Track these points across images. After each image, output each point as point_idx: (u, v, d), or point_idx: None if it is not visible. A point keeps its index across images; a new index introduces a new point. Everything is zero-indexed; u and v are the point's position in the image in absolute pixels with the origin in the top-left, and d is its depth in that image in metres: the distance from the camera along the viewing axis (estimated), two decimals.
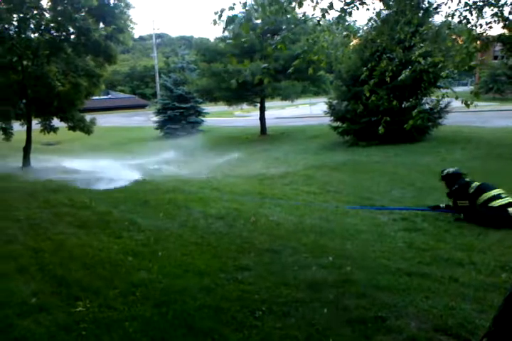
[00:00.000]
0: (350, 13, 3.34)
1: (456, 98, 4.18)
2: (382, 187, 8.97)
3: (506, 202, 5.98)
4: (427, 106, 14.54)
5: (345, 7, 3.27)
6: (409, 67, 4.93)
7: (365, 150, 14.13)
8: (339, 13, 3.35)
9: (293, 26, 18.72)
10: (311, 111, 31.12)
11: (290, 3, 4.17)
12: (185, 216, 6.18)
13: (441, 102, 13.09)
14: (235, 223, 5.91)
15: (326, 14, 3.38)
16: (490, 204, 6.05)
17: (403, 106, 14.74)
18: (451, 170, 6.86)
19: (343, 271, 4.27)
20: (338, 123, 16.33)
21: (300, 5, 3.79)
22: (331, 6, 3.27)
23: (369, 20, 4.20)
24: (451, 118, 15.77)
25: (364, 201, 7.93)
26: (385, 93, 12.24)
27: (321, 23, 4.14)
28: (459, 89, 22.02)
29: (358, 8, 3.29)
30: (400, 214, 6.93)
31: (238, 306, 3.33)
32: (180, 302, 3.38)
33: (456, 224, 6.32)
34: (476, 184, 6.37)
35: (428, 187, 8.66)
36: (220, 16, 4.31)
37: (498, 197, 6.08)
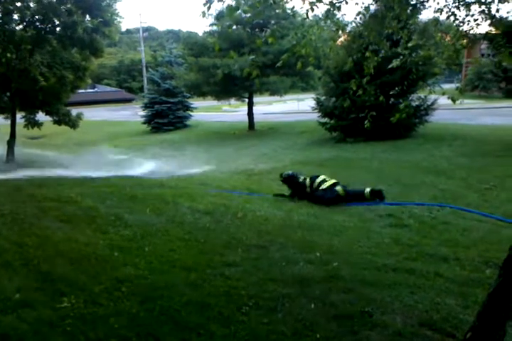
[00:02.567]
0: (339, 8, 3.33)
1: (443, 94, 4.20)
2: (369, 183, 9.02)
3: (331, 182, 7.62)
4: (414, 104, 14.64)
5: (334, 1, 3.25)
6: (400, 57, 4.92)
7: (353, 147, 14.21)
8: (328, 7, 3.33)
9: (282, 21, 18.75)
10: (298, 106, 31.14)
11: None
12: (173, 211, 6.14)
13: (427, 99, 13.22)
14: (222, 218, 5.89)
15: (314, 8, 3.35)
16: (321, 187, 7.57)
17: (390, 102, 14.83)
18: (288, 172, 8.30)
19: (330, 266, 4.28)
20: (326, 120, 16.38)
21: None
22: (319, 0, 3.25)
23: (357, 14, 4.19)
24: (437, 116, 15.92)
25: None
26: (373, 89, 12.30)
27: (309, 16, 4.12)
28: (445, 86, 22.22)
29: (346, 2, 3.27)
30: (386, 210, 6.99)
31: (225, 302, 3.32)
32: (166, 297, 3.35)
33: (441, 219, 6.41)
34: (307, 178, 7.91)
35: (415, 182, 8.76)
36: (209, 8, 4.26)
37: (324, 181, 7.69)
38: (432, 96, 13.95)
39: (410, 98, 14.39)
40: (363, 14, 4.44)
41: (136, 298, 3.36)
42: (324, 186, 7.57)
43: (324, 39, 5.18)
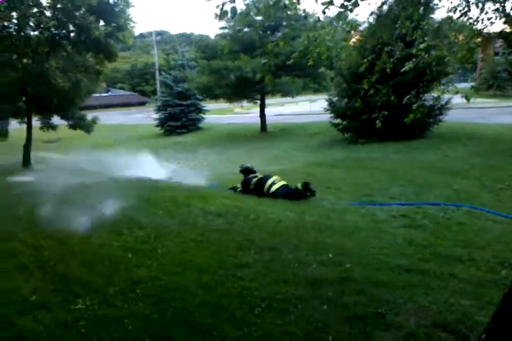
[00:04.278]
0: (351, 10, 3.32)
1: (456, 93, 4.16)
2: (382, 184, 8.97)
3: (280, 185, 8.08)
4: (428, 103, 14.49)
5: (346, 3, 3.24)
6: (413, 59, 4.89)
7: (365, 147, 14.12)
8: (340, 10, 3.33)
9: (293, 22, 18.73)
10: (310, 108, 31.08)
11: None
12: (185, 213, 6.18)
13: (442, 99, 13.07)
14: (234, 220, 5.90)
15: (326, 10, 3.36)
16: (273, 187, 8.05)
17: (404, 102, 14.69)
18: (245, 165, 9.07)
19: (343, 267, 4.27)
20: (339, 120, 16.31)
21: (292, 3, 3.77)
22: (331, 2, 3.24)
23: (370, 14, 4.17)
24: (452, 115, 15.74)
25: (363, 198, 7.93)
26: (387, 89, 12.21)
27: (321, 19, 4.13)
28: (460, 85, 21.91)
29: (358, 5, 3.26)
30: (399, 211, 6.93)
31: (238, 303, 3.34)
32: (179, 299, 3.38)
33: (456, 220, 6.34)
34: (258, 176, 8.49)
35: (428, 183, 8.66)
36: (222, 9, 4.28)
37: (273, 183, 8.14)
38: (446, 96, 13.80)
39: (424, 98, 14.23)
40: (376, 14, 4.43)
41: (150, 299, 3.39)
42: (276, 186, 8.08)
43: (337, 40, 5.17)
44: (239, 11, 4.08)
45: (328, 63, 17.39)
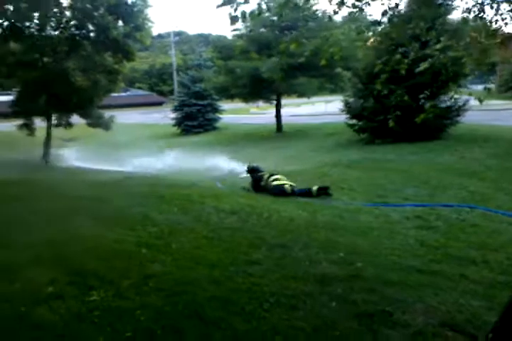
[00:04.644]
0: (362, 9, 3.35)
1: (469, 94, 4.15)
2: (397, 185, 8.94)
3: (282, 182, 8.57)
4: (445, 105, 14.37)
5: (357, 3, 3.28)
6: (429, 59, 4.88)
7: (381, 148, 14.06)
8: (351, 10, 3.37)
9: (308, 22, 18.72)
10: (326, 108, 30.99)
11: None
12: (199, 211, 6.27)
13: (459, 100, 12.94)
14: (247, 218, 5.97)
15: (338, 10, 3.40)
16: (273, 183, 8.54)
17: (420, 103, 14.60)
18: (252, 165, 9.58)
19: (354, 266, 4.29)
20: (354, 121, 16.26)
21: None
22: (342, 2, 3.28)
23: (383, 14, 4.18)
24: (470, 117, 15.56)
25: (377, 199, 7.92)
26: (402, 90, 12.16)
27: (333, 18, 4.16)
28: (479, 87, 21.62)
29: (369, 4, 3.29)
30: (413, 212, 6.91)
31: (247, 298, 3.39)
32: (191, 293, 3.45)
33: (470, 222, 6.30)
34: (267, 174, 8.94)
35: (443, 185, 8.61)
36: (236, 10, 4.35)
37: (277, 179, 8.66)
38: (464, 97, 13.66)
39: (441, 99, 14.12)
40: (390, 15, 4.44)
41: (162, 292, 3.47)
42: (276, 183, 8.58)
43: (351, 39, 5.18)
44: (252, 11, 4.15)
45: (345, 64, 17.32)
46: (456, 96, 13.91)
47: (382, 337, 2.97)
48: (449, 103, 14.54)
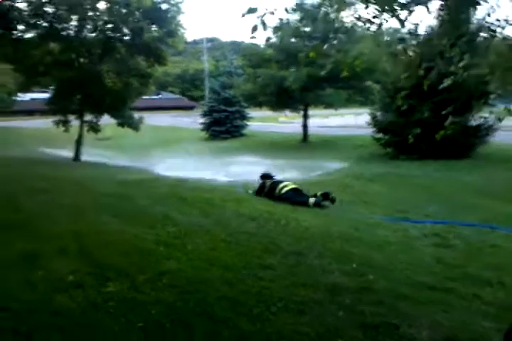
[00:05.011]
0: (380, 25, 3.44)
1: (491, 113, 4.16)
2: (418, 201, 8.89)
3: (291, 187, 8.73)
4: (475, 123, 14.17)
5: (373, 19, 3.36)
6: (452, 76, 4.90)
7: (406, 164, 13.95)
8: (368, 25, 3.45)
9: (338, 34, 18.77)
10: (356, 121, 30.82)
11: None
12: (219, 214, 6.41)
13: (489, 119, 12.74)
14: (265, 224, 6.07)
15: (356, 24, 3.49)
16: (283, 190, 8.67)
17: (454, 120, 14.39)
18: (264, 172, 9.86)
19: (365, 278, 4.33)
20: (381, 135, 16.18)
21: (338, 11, 3.89)
22: (358, 18, 3.38)
23: (409, 33, 4.24)
24: (502, 137, 15.26)
25: (397, 214, 7.90)
26: (428, 106, 12.09)
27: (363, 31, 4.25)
28: None
29: (387, 21, 3.38)
30: (432, 229, 6.87)
31: (256, 301, 3.48)
32: (202, 292, 3.57)
33: (490, 242, 6.23)
34: (270, 182, 9.14)
35: (467, 204, 8.51)
36: (263, 21, 4.48)
37: (284, 186, 8.80)
38: (494, 116, 13.43)
39: (469, 117, 13.92)
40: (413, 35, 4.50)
41: (175, 289, 3.60)
42: (285, 189, 8.71)
43: (382, 53, 5.25)
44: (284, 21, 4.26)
45: (374, 77, 17.31)
46: (485, 115, 13.69)
47: None
48: (478, 122, 14.31)
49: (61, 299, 3.34)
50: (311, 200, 8.34)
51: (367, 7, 3.42)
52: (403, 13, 3.27)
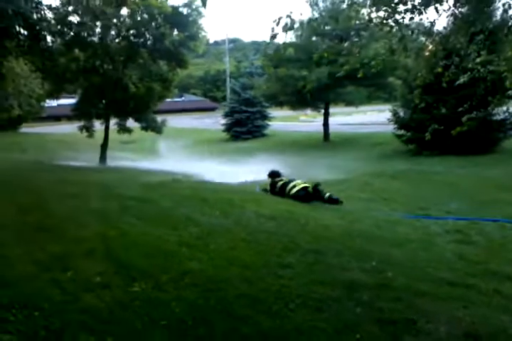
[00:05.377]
0: (391, 27, 3.49)
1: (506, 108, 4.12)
2: (440, 198, 8.81)
3: (301, 186, 8.78)
4: (499, 117, 13.90)
5: (384, 21, 3.42)
6: (468, 73, 4.90)
7: (428, 160, 13.79)
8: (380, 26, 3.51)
9: (362, 31, 18.68)
10: (378, 118, 30.52)
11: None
12: (239, 215, 6.53)
13: None
14: (285, 223, 6.16)
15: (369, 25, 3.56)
16: (295, 189, 8.76)
17: (474, 115, 14.17)
18: (272, 170, 9.78)
19: (384, 275, 4.37)
20: (402, 132, 16.04)
21: (357, 12, 3.96)
22: (370, 20, 3.44)
23: (424, 33, 4.26)
24: None
25: (419, 211, 7.86)
26: (449, 103, 11.94)
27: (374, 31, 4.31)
28: None
29: (398, 23, 3.42)
30: (454, 225, 6.83)
31: (275, 298, 3.59)
32: (223, 290, 3.70)
33: (511, 238, 6.17)
34: (283, 180, 9.26)
35: (489, 200, 8.40)
36: (278, 24, 4.60)
37: (294, 186, 8.85)
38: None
39: (494, 112, 13.64)
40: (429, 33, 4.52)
41: (197, 288, 3.74)
42: (296, 188, 8.79)
43: (400, 49, 5.26)
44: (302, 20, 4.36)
45: (396, 73, 17.15)
46: (511, 108, 13.42)
47: None
48: (502, 116, 14.02)
49: (89, 299, 3.52)
50: (327, 195, 8.51)
51: (378, 10, 3.49)
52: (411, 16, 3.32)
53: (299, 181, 9.13)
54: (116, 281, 3.84)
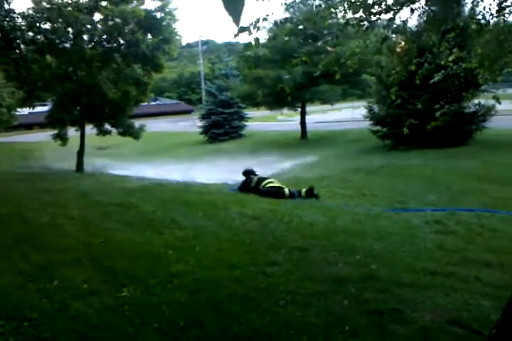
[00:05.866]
0: (367, 28, 3.57)
1: (479, 104, 4.26)
2: (418, 190, 9.01)
3: (276, 185, 9.18)
4: (470, 110, 14.29)
5: (361, 23, 3.51)
6: (442, 71, 5.05)
7: (405, 154, 14.07)
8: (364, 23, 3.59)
9: (335, 31, 18.92)
10: (353, 114, 30.92)
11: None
12: (223, 216, 6.56)
13: (484, 105, 12.86)
14: (268, 223, 6.22)
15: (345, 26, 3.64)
16: (268, 185, 9.13)
17: (446, 109, 14.50)
18: (246, 168, 10.19)
19: (368, 268, 4.47)
20: (378, 127, 16.31)
21: (328, 9, 4.04)
22: (346, 23, 3.52)
23: (394, 32, 4.37)
24: (498, 122, 15.36)
25: (398, 204, 8.03)
26: (426, 97, 12.22)
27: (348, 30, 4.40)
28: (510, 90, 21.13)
29: (374, 24, 3.51)
30: (433, 217, 7.00)
31: (264, 296, 3.65)
32: (212, 290, 3.74)
33: (489, 227, 6.36)
34: (255, 178, 9.60)
35: (466, 190, 8.64)
36: (255, 27, 4.65)
37: (270, 182, 9.27)
38: (490, 102, 13.52)
39: (466, 105, 14.03)
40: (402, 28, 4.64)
41: (186, 289, 3.77)
42: (270, 185, 9.15)
43: (374, 48, 5.37)
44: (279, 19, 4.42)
45: (369, 70, 17.44)
46: (481, 101, 13.80)
47: (390, 332, 3.16)
48: (474, 108, 14.42)
49: (78, 306, 3.52)
50: (286, 190, 8.88)
51: (354, 13, 3.57)
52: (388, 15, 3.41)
53: (272, 180, 9.50)
54: (104, 288, 3.84)
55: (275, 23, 4.44)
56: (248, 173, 9.93)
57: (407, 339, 3.05)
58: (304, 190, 8.92)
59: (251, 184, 9.47)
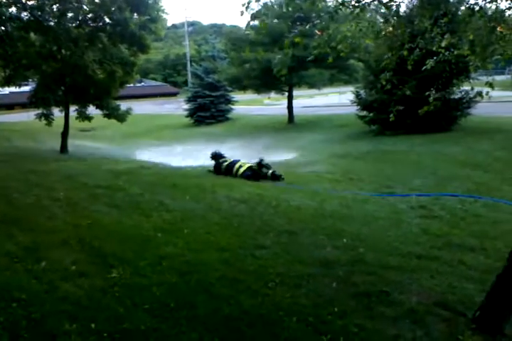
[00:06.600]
0: (362, 10, 3.54)
1: (472, 89, 4.30)
2: (404, 175, 9.11)
3: (247, 166, 9.25)
4: (456, 96, 14.40)
5: (356, 4, 3.47)
6: (435, 57, 5.04)
7: (391, 140, 14.17)
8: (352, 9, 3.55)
9: (323, 14, 18.75)
10: (340, 99, 30.94)
11: None
12: (211, 199, 6.56)
13: (470, 92, 12.93)
14: (256, 206, 6.24)
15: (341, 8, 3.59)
16: (242, 169, 9.22)
17: (438, 95, 14.56)
18: (215, 151, 10.10)
19: (356, 252, 4.54)
20: (365, 113, 16.35)
21: None
22: (342, 3, 3.48)
23: (384, 18, 4.34)
24: (482, 109, 15.51)
25: (385, 189, 8.11)
26: (414, 83, 12.24)
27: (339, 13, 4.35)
28: (498, 78, 21.29)
29: (369, 5, 3.47)
30: (418, 202, 7.10)
31: (254, 278, 3.68)
32: (202, 272, 3.75)
33: (473, 212, 6.49)
34: (227, 161, 9.62)
35: (450, 175, 8.76)
36: (247, 8, 4.58)
37: (240, 166, 9.27)
38: (476, 89, 13.62)
39: (451, 91, 14.13)
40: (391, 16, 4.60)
41: (176, 271, 3.78)
42: (243, 168, 9.23)
43: (365, 32, 5.33)
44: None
45: (357, 55, 17.36)
46: (467, 88, 13.88)
47: (378, 313, 3.23)
48: (459, 95, 14.53)
49: (67, 287, 3.50)
50: (269, 172, 9.02)
51: None
52: None
53: (243, 161, 9.54)
54: (93, 269, 3.82)
55: (264, 5, 4.37)
56: (216, 157, 9.88)
57: (395, 321, 3.11)
58: (269, 172, 9.04)
59: (221, 170, 9.50)
